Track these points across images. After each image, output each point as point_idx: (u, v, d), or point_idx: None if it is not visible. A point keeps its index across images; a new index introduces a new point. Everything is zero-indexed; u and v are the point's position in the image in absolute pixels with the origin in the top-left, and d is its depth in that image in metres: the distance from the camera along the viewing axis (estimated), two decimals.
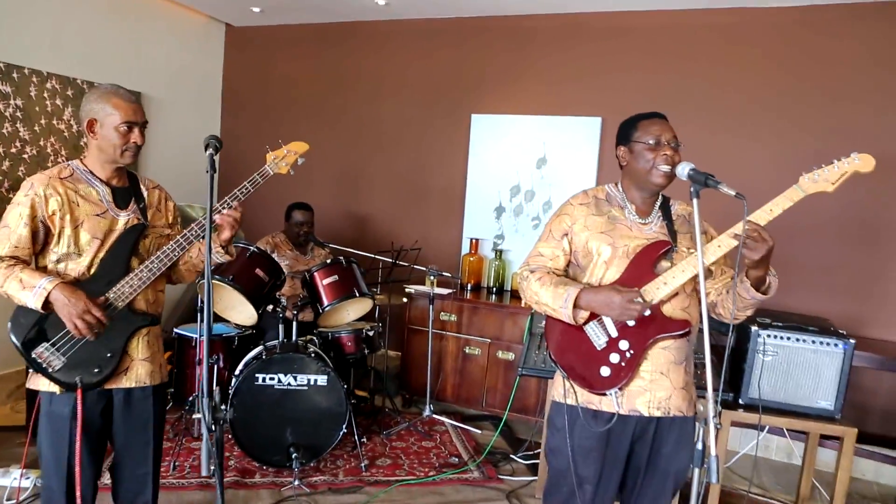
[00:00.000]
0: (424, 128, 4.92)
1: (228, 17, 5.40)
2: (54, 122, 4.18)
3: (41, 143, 4.12)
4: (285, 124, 5.31)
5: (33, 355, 1.99)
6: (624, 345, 2.02)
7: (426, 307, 4.19)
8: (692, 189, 1.84)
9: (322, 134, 5.13)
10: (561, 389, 2.10)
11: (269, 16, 5.13)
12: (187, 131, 5.09)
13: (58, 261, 2.03)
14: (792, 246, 3.84)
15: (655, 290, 1.98)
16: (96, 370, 2.04)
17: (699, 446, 1.72)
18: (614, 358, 2.02)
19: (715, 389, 1.74)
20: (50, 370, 2.00)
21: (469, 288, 4.59)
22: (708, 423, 1.69)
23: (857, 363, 3.32)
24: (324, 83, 5.23)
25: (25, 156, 4.03)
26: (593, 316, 2.03)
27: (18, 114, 3.96)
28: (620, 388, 2.00)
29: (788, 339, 2.95)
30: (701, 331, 1.74)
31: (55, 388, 2.03)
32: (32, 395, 3.49)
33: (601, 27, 4.35)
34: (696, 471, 1.73)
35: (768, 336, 2.96)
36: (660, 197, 2.14)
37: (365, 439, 3.73)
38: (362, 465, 3.44)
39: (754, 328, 2.97)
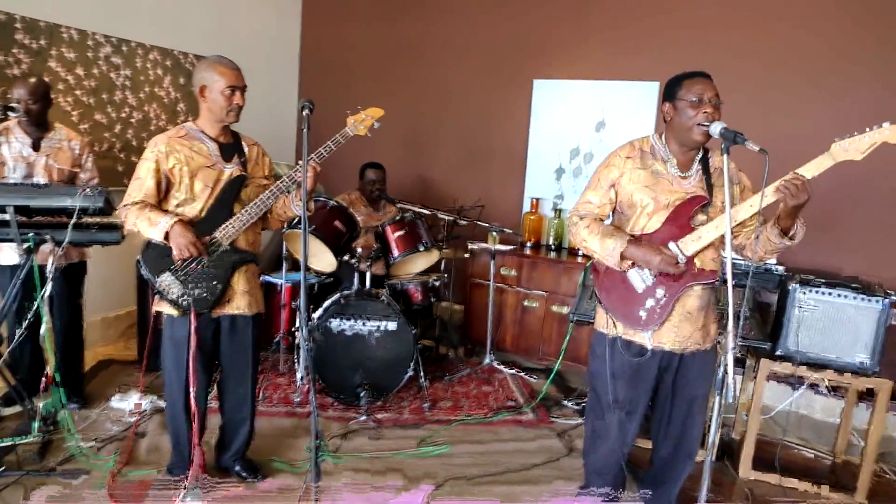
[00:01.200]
0: (488, 93, 5.16)
1: None
2: (156, 89, 4.66)
3: (145, 108, 4.61)
4: (358, 88, 5.65)
5: (158, 282, 2.43)
6: (659, 292, 2.28)
7: (488, 262, 4.49)
8: (723, 146, 2.06)
9: (392, 97, 5.42)
10: (602, 321, 2.40)
11: None
12: (268, 95, 5.49)
13: (178, 205, 2.46)
14: (846, 210, 3.93)
15: (690, 244, 2.22)
16: (206, 296, 2.46)
17: (720, 375, 1.97)
18: (650, 303, 2.28)
19: (735, 327, 1.98)
20: (170, 295, 2.43)
21: (529, 245, 4.85)
22: (727, 351, 1.93)
23: None
24: (394, 49, 5.52)
25: (133, 120, 4.53)
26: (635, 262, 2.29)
27: (127, 83, 4.45)
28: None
29: (828, 294, 3.09)
30: (725, 280, 1.97)
31: (175, 312, 2.46)
32: (143, 331, 4.03)
33: None
34: (718, 397, 1.99)
35: (808, 291, 3.11)
36: (700, 150, 2.32)
37: (428, 383, 4.06)
38: (425, 405, 3.77)
39: (793, 284, 3.13)
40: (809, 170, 2.09)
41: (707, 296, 2.32)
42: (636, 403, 2.38)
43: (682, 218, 2.25)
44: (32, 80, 3.20)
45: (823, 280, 3.16)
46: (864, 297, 3.05)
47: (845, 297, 3.08)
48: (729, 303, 1.94)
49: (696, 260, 2.25)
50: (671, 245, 2.24)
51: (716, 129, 2.12)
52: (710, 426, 2.14)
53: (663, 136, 2.36)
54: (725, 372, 1.93)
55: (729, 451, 3.46)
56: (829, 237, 4.03)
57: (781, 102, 4.13)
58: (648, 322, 2.28)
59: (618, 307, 2.33)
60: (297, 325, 4.04)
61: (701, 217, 2.26)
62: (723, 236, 2.18)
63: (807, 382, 3.77)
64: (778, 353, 3.15)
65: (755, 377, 3.23)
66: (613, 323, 2.35)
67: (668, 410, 2.43)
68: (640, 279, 2.30)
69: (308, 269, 4.04)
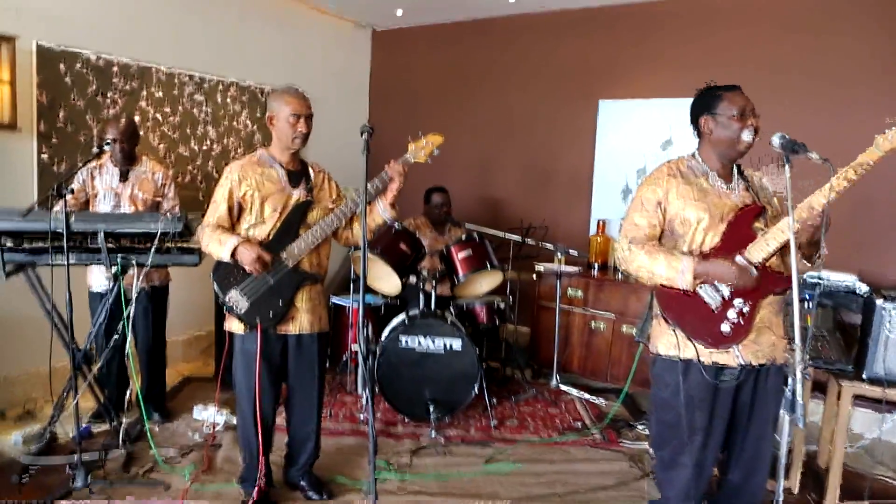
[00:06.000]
0: (553, 115, 5.17)
1: (374, 22, 5.98)
2: (234, 123, 4.93)
3: (224, 141, 4.88)
4: (425, 115, 5.79)
5: (227, 297, 2.56)
6: (738, 302, 2.19)
7: (554, 283, 4.46)
8: (785, 156, 2.00)
9: (458, 123, 5.53)
10: (670, 345, 2.27)
11: (409, 18, 5.63)
12: (340, 125, 5.70)
13: (248, 228, 2.60)
14: None
15: (756, 252, 2.16)
16: (271, 313, 2.57)
17: (788, 394, 1.88)
18: (732, 315, 2.19)
19: (803, 340, 1.89)
20: (238, 311, 2.55)
21: (597, 267, 4.78)
22: (795, 372, 1.85)
23: None
24: (459, 77, 5.64)
25: (213, 152, 4.80)
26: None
27: (208, 118, 4.73)
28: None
29: None
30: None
31: (241, 328, 2.58)
32: (220, 351, 4.21)
33: (728, 8, 4.38)
34: (787, 417, 1.90)
35: (895, 310, 2.93)
36: (736, 164, 2.30)
37: (495, 401, 4.06)
38: (492, 423, 3.78)
39: (880, 301, 2.95)
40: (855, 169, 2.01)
41: (778, 303, 2.24)
42: (715, 430, 2.27)
43: (743, 229, 2.21)
44: (122, 121, 3.44)
45: None
46: None
47: None
48: (795, 313, 1.86)
49: (767, 268, 2.19)
50: (738, 258, 2.18)
51: (776, 140, 2.05)
52: (780, 449, 2.03)
53: (696, 155, 2.35)
54: (794, 391, 1.85)
55: (815, 483, 3.27)
56: None
57: (841, 111, 3.99)
58: (736, 336, 2.18)
59: (697, 327, 2.22)
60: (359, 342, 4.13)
61: (758, 226, 2.22)
62: (783, 244, 2.12)
63: None
64: (864, 376, 2.96)
65: (838, 402, 3.05)
66: (693, 344, 2.23)
67: (743, 432, 2.31)
68: (713, 294, 2.21)
69: (373, 291, 4.14)
